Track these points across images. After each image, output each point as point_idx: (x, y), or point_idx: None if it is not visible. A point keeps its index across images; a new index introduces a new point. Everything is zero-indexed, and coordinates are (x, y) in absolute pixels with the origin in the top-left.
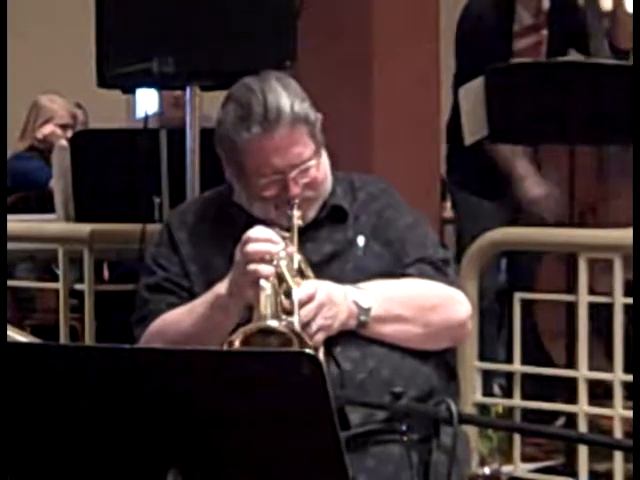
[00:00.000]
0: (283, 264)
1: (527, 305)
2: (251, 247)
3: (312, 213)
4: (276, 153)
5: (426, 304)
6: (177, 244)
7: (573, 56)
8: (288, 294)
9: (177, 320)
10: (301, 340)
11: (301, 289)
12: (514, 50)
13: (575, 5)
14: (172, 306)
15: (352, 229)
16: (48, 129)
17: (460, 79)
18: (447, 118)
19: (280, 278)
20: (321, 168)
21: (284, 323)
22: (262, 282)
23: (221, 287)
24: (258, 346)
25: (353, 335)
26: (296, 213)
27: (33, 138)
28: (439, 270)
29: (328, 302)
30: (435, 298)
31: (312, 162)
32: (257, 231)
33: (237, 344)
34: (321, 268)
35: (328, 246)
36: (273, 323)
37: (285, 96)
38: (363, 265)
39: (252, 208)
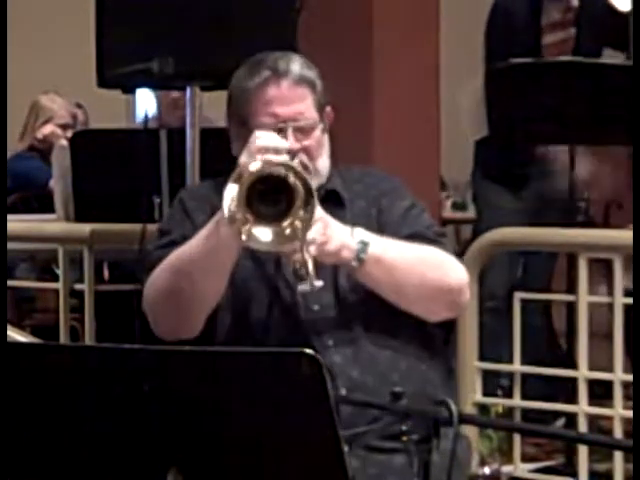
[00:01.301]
0: (295, 162)
1: (543, 305)
2: (262, 140)
3: None
4: (279, 101)
5: (422, 259)
6: (189, 212)
7: (608, 55)
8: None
9: (181, 250)
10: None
11: None
12: (542, 44)
13: (607, 6)
14: None
15: (349, 217)
16: (48, 129)
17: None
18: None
19: None
20: (320, 144)
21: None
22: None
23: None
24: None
25: (345, 331)
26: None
27: (33, 138)
28: (434, 242)
29: (324, 220)
30: (432, 257)
31: (312, 123)
32: (264, 132)
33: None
34: None
35: None
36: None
37: (298, 61)
38: None
39: None
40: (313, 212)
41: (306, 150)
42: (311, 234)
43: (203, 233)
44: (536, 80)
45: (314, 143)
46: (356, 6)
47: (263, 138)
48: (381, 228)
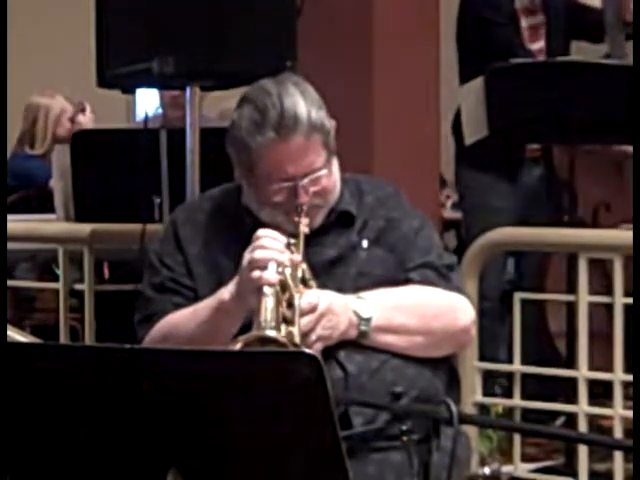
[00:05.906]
0: (287, 272)
1: (537, 306)
2: (257, 254)
3: (318, 220)
4: (289, 161)
5: (428, 313)
6: (182, 242)
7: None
8: (290, 303)
9: (181, 324)
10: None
11: (303, 298)
12: (521, 27)
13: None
14: (177, 306)
15: (358, 233)
16: (86, 118)
17: (467, 71)
18: (453, 114)
19: (283, 286)
20: (331, 177)
21: (283, 333)
22: (265, 289)
23: (225, 292)
24: None
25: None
26: (304, 220)
27: (68, 130)
28: (443, 276)
29: (329, 312)
30: (437, 306)
31: (323, 171)
32: (265, 238)
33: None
34: (325, 271)
35: (333, 250)
36: (272, 333)
37: (302, 103)
38: (367, 270)
39: (259, 212)
40: None
41: (319, 193)
42: (317, 333)
43: (201, 315)
44: (536, 80)
45: (325, 182)
46: (356, 12)
47: (263, 249)
48: (390, 248)
